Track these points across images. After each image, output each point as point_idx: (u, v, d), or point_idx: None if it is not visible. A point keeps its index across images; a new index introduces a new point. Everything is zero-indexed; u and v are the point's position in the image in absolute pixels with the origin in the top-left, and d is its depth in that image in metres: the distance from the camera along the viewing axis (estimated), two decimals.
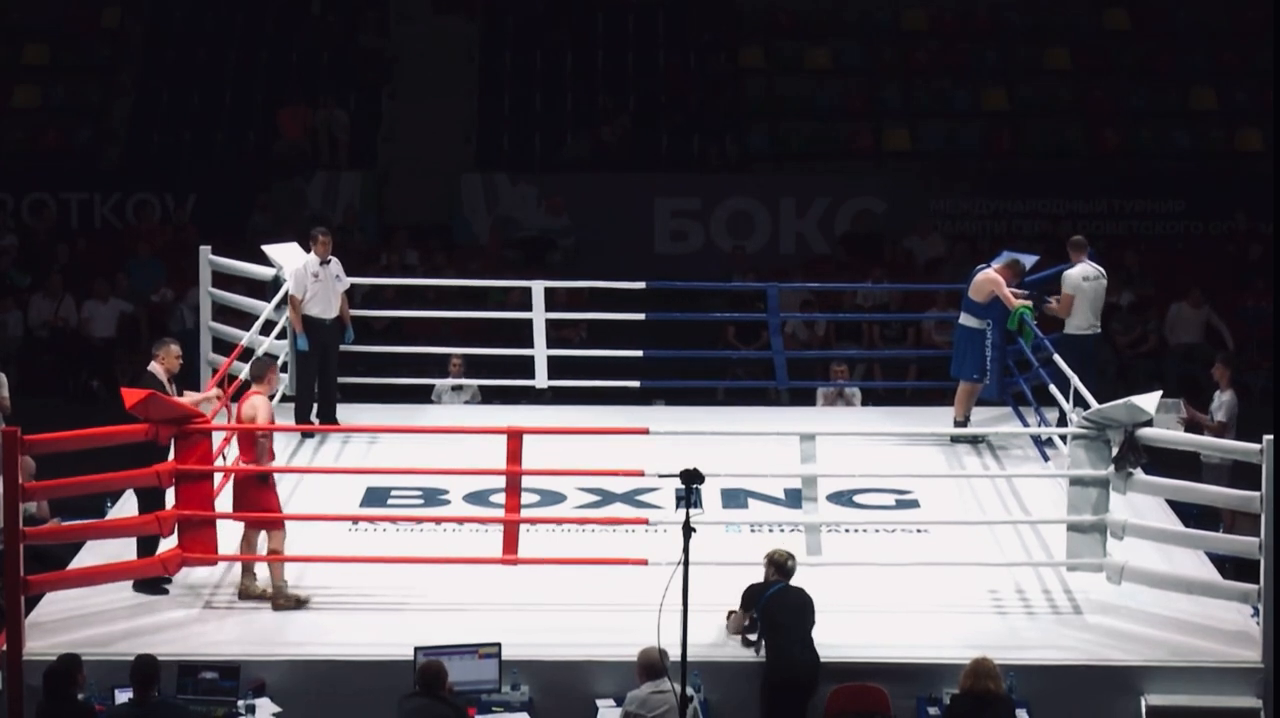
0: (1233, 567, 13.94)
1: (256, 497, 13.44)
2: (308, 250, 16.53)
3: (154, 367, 13.95)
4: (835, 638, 12.68)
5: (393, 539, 14.48)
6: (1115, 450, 13.31)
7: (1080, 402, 14.54)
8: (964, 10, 27.78)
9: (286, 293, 16.40)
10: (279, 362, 15.71)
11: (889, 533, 14.77)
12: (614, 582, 13.45)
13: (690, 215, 25.69)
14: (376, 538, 14.54)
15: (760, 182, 26.02)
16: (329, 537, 14.16)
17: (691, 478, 11.29)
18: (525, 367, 17.87)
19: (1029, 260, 16.87)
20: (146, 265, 24.03)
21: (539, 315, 17.71)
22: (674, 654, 11.29)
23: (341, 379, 16.95)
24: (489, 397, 18.80)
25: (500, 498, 14.12)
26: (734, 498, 15.18)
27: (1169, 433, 14.55)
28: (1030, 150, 26.50)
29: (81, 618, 13.17)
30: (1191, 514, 15.07)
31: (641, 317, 18.59)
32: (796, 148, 26.61)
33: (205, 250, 17.28)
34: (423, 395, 18.44)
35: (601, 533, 14.41)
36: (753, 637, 12.74)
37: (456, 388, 18.48)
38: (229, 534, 13.64)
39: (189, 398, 14.12)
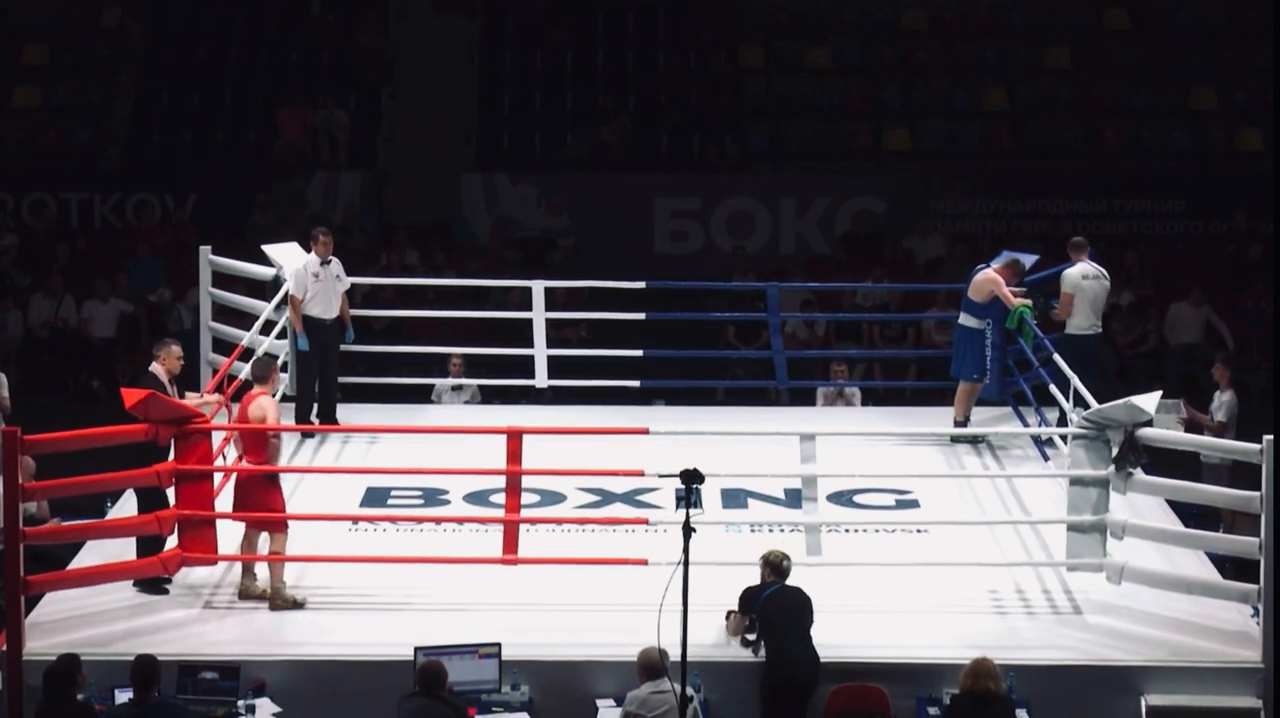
0: (1233, 567, 13.94)
1: (264, 497, 13.44)
2: (308, 250, 16.54)
3: (155, 367, 13.94)
4: (835, 638, 12.68)
5: (393, 539, 14.48)
6: (1115, 450, 13.31)
7: (1080, 402, 14.53)
8: (964, 10, 27.78)
9: (286, 293, 16.40)
10: (279, 361, 15.71)
11: (889, 533, 14.77)
12: (614, 582, 13.45)
13: (690, 215, 25.70)
14: (376, 538, 14.54)
15: (760, 182, 26.02)
16: (329, 537, 14.17)
17: (691, 478, 11.29)
18: (525, 366, 17.87)
19: (1029, 260, 16.86)
20: (146, 265, 24.03)
21: (539, 315, 17.71)
22: (674, 654, 11.30)
23: (341, 379, 16.95)
24: (489, 397, 18.80)
25: (500, 498, 14.12)
26: (734, 498, 15.18)
27: (1169, 433, 14.55)
28: (1030, 150, 26.51)
29: (81, 618, 13.17)
30: (1191, 514, 15.07)
31: (641, 316, 18.60)
32: (796, 148, 26.62)
33: (205, 250, 17.28)
34: (423, 395, 18.44)
35: (601, 533, 14.40)
36: (752, 637, 12.74)
37: (456, 388, 18.48)
38: (229, 534, 13.65)
39: (188, 399, 14.12)
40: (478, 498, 15.15)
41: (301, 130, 26.23)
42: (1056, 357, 15.53)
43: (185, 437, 13.24)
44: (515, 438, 13.61)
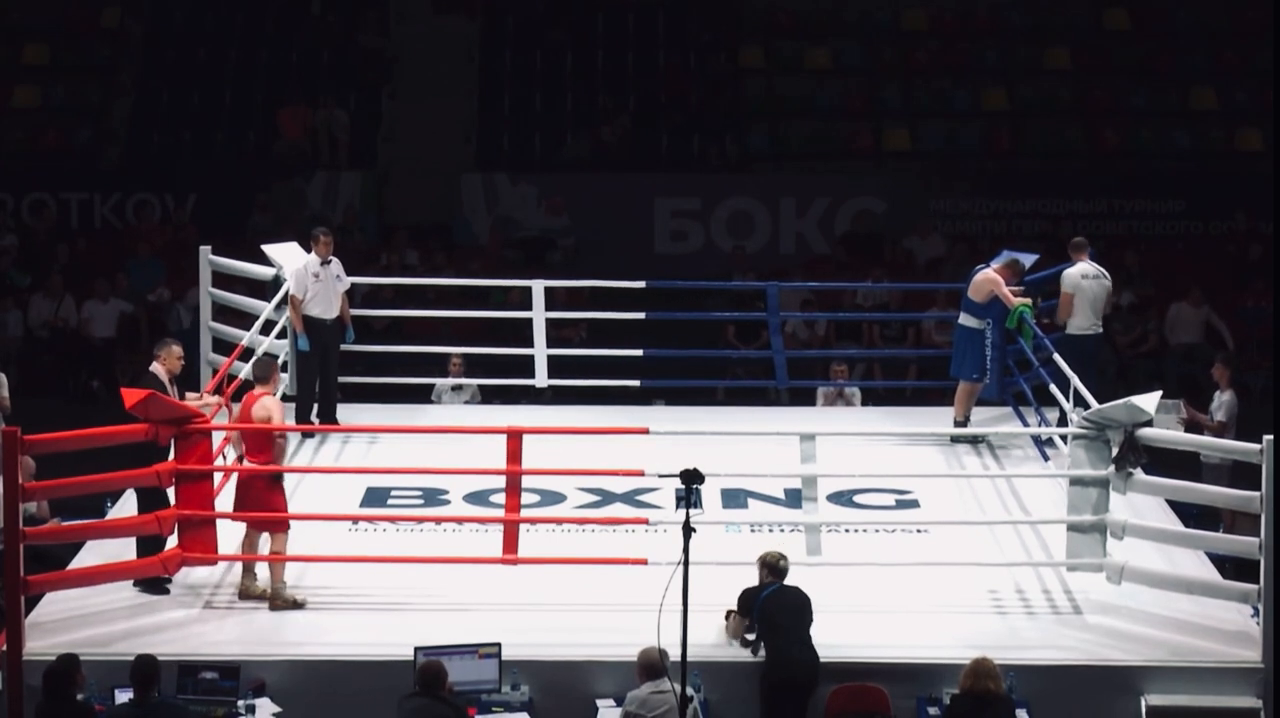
0: (1233, 567, 13.94)
1: (267, 497, 13.45)
2: (308, 250, 16.53)
3: (155, 367, 13.94)
4: (835, 638, 12.68)
5: (393, 539, 14.48)
6: (1115, 450, 13.31)
7: (1080, 402, 14.53)
8: (964, 10, 27.78)
9: (287, 293, 16.40)
10: (279, 361, 15.71)
11: (889, 533, 14.77)
12: (614, 582, 13.44)
13: (690, 215, 25.69)
14: (376, 538, 14.54)
15: (760, 182, 26.02)
16: (329, 537, 14.17)
17: (691, 478, 11.29)
18: (525, 366, 17.87)
19: (1029, 260, 16.85)
20: (146, 265, 24.03)
21: (539, 315, 17.71)
22: (674, 654, 11.29)
23: (341, 379, 16.95)
24: (489, 396, 18.80)
25: (500, 498, 14.12)
26: (734, 498, 15.18)
27: (1169, 433, 14.55)
28: (1030, 150, 26.51)
29: (81, 618, 13.17)
30: (1191, 514, 15.07)
31: (641, 316, 18.59)
32: (796, 148, 26.61)
33: (205, 250, 17.28)
34: (423, 395, 18.44)
35: (601, 533, 14.40)
36: (751, 637, 12.74)
37: (456, 388, 18.47)
38: (229, 534, 13.65)
39: (188, 399, 14.12)
40: (478, 498, 15.15)
41: (301, 130, 26.23)
42: (1056, 357, 15.53)
43: (185, 437, 13.25)
44: (515, 438, 13.62)
